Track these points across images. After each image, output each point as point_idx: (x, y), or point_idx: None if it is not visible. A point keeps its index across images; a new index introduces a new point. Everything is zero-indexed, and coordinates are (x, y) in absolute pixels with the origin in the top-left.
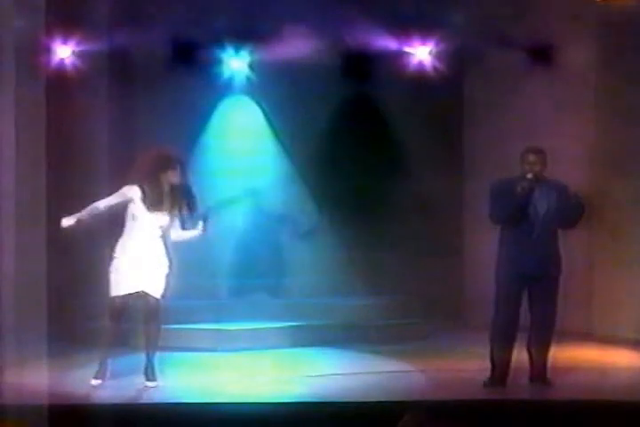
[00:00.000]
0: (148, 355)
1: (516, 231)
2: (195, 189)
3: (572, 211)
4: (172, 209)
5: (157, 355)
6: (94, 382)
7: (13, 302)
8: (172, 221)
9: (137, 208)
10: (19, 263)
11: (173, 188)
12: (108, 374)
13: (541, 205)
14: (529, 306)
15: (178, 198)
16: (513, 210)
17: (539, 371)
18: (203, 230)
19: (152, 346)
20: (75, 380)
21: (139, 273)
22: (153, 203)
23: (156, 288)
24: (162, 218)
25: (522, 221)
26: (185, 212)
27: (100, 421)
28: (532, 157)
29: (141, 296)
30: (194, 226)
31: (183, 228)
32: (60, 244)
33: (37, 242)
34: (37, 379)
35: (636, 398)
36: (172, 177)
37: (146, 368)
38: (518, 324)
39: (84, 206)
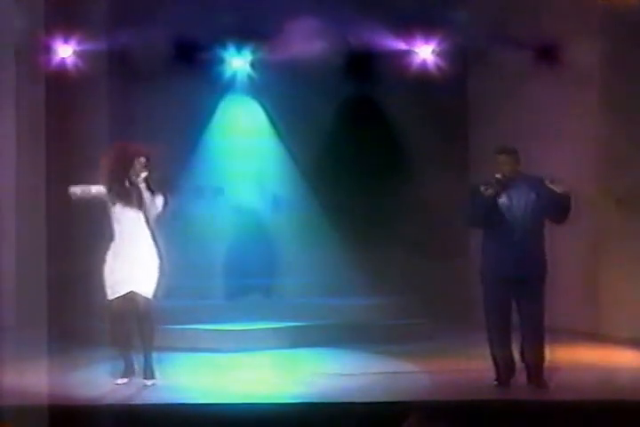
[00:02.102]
0: (145, 355)
1: (496, 234)
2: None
3: (557, 205)
4: (143, 204)
5: (155, 355)
6: (120, 381)
7: (14, 302)
8: (150, 215)
9: (113, 209)
10: (19, 263)
11: (136, 183)
12: (135, 371)
13: (519, 205)
14: (517, 309)
15: (143, 192)
16: (483, 212)
17: (535, 374)
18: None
19: (147, 346)
20: (75, 380)
21: (128, 274)
22: (122, 201)
23: (146, 288)
24: (139, 214)
25: (500, 224)
26: (151, 204)
27: (100, 421)
28: (501, 158)
29: (132, 297)
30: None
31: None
32: (60, 244)
33: (37, 242)
34: (37, 379)
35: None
36: (132, 173)
37: (144, 368)
38: (511, 325)
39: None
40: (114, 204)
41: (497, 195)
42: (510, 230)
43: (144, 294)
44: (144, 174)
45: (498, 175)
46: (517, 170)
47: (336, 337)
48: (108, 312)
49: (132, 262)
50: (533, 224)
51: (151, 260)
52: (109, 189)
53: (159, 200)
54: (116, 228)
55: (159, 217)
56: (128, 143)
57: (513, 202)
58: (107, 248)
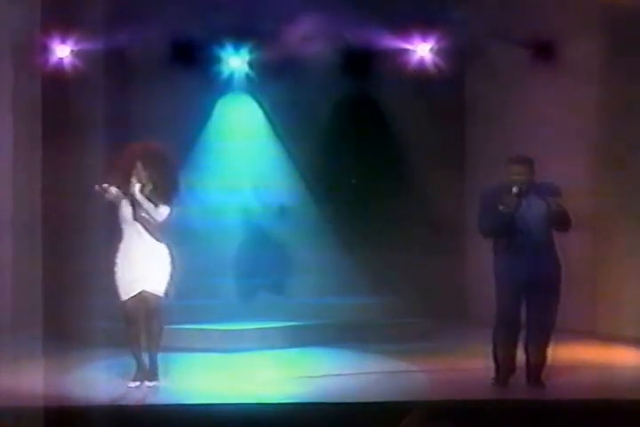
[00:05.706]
0: (150, 355)
1: (509, 241)
2: (169, 180)
3: (554, 218)
4: (155, 204)
5: (159, 355)
6: (133, 384)
7: (10, 302)
8: (163, 214)
9: (122, 210)
10: (15, 263)
11: (145, 183)
12: (146, 375)
13: (531, 212)
14: (527, 312)
15: (154, 193)
16: (499, 225)
17: (534, 373)
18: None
19: (154, 346)
20: (71, 381)
21: (139, 274)
22: (131, 202)
23: (156, 287)
24: (150, 214)
25: (512, 232)
26: (162, 202)
27: (97, 423)
28: (516, 168)
29: (143, 296)
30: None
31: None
32: (57, 244)
33: (34, 242)
34: (33, 380)
35: (638, 396)
36: (138, 174)
37: (148, 369)
38: (520, 328)
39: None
40: (121, 204)
41: (515, 211)
42: (522, 237)
43: (155, 293)
44: (138, 183)
45: (514, 189)
46: (532, 180)
47: (333, 336)
48: (122, 313)
49: (142, 262)
50: (545, 231)
51: (161, 257)
52: (119, 190)
53: (163, 210)
54: (125, 228)
55: (165, 223)
56: (132, 144)
57: (526, 209)
58: (116, 249)
